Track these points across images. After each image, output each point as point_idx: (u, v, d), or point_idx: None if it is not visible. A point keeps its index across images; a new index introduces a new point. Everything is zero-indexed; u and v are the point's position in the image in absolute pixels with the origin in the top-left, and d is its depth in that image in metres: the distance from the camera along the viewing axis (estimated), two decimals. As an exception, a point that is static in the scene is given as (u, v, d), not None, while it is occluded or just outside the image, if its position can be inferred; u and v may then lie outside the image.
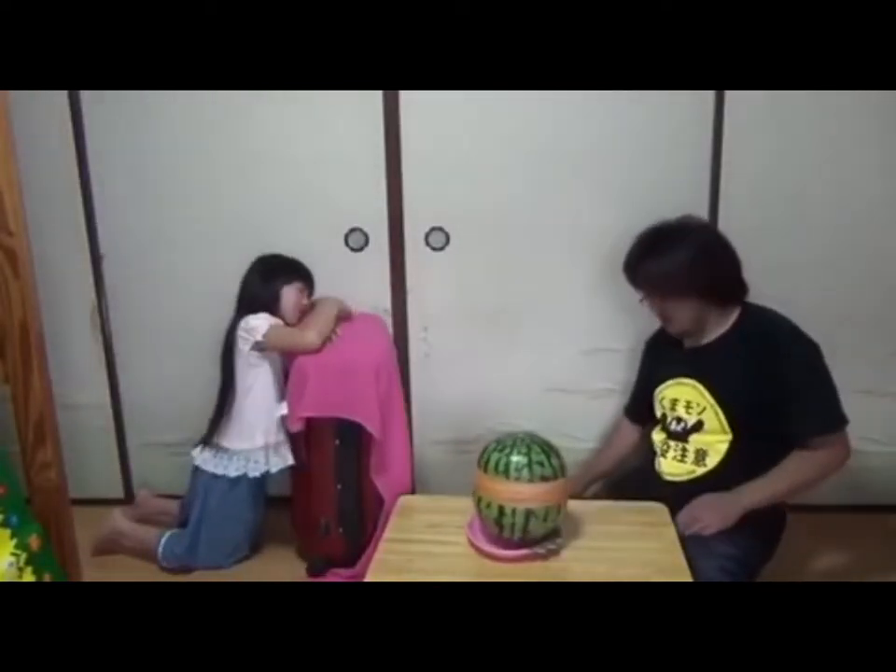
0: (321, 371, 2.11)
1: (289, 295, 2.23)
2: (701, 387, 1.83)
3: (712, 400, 1.81)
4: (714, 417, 1.81)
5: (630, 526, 1.66)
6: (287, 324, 2.22)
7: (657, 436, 1.95)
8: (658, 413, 1.96)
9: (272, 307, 2.21)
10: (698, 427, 1.83)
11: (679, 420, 1.87)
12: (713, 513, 1.71)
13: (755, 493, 1.74)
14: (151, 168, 2.39)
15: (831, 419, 1.74)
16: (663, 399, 1.93)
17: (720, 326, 1.85)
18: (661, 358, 2.01)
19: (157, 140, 2.37)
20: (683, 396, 1.87)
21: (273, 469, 2.24)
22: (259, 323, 2.15)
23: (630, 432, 2.16)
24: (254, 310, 2.19)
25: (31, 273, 1.54)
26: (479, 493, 1.54)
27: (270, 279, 2.23)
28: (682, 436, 1.86)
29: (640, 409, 2.08)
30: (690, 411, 1.85)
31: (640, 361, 2.14)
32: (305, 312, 2.27)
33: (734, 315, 1.84)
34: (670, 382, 1.91)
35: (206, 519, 2.25)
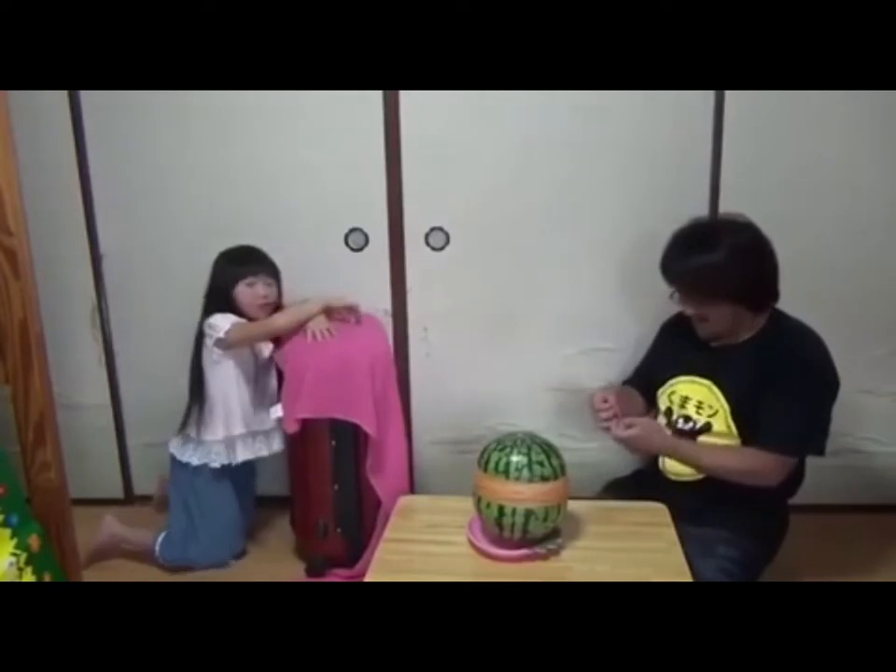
0: (316, 373, 2.11)
1: (244, 291, 2.21)
2: (716, 389, 1.79)
3: (726, 405, 1.78)
4: (724, 421, 1.78)
5: (630, 526, 1.65)
6: (251, 320, 2.21)
7: None
8: (663, 406, 1.92)
9: (230, 303, 2.20)
10: (706, 428, 1.81)
11: (686, 419, 1.85)
12: (642, 441, 1.79)
13: (679, 449, 1.81)
14: (151, 168, 2.39)
15: (790, 443, 1.72)
16: (672, 393, 1.88)
17: (747, 330, 1.80)
18: (679, 350, 1.92)
19: (156, 140, 2.37)
20: (696, 395, 1.83)
21: (234, 462, 2.26)
22: (220, 321, 2.15)
23: (636, 395, 2.03)
24: (216, 307, 2.19)
25: (31, 273, 1.54)
26: (479, 493, 1.54)
27: (222, 274, 2.22)
28: (690, 437, 1.83)
29: (640, 386, 2.02)
30: (700, 411, 1.82)
31: (653, 342, 2.07)
32: (275, 307, 2.26)
33: (762, 321, 1.80)
34: (684, 378, 1.86)
35: (186, 513, 2.28)
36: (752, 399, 1.74)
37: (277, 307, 2.27)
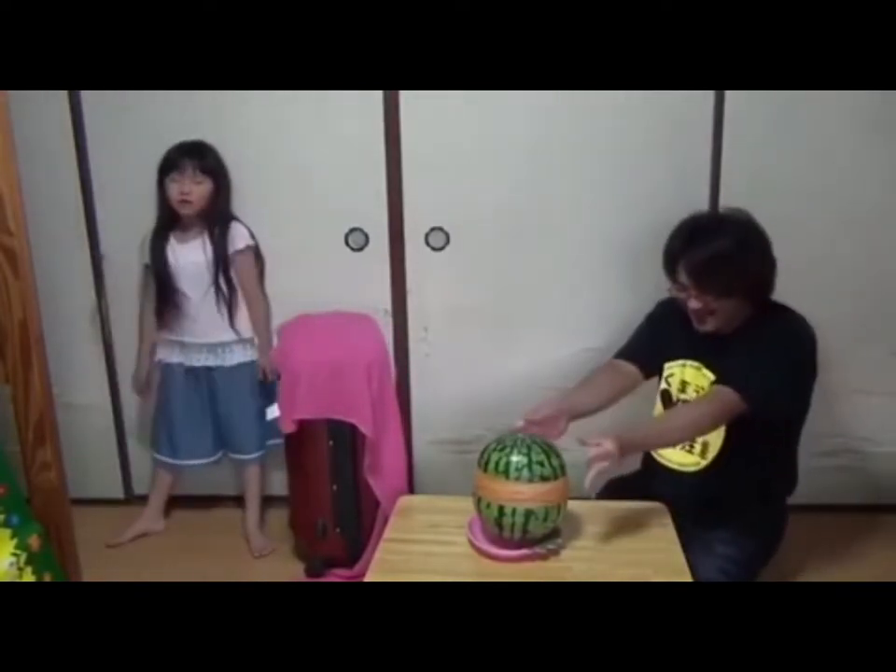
0: (312, 373, 2.11)
1: (169, 187, 2.24)
2: (706, 371, 1.80)
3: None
4: None
5: (630, 526, 1.65)
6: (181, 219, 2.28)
7: None
8: (662, 387, 1.92)
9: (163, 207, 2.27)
10: None
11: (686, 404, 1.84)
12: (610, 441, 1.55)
13: (640, 430, 1.72)
14: (151, 168, 2.38)
15: (748, 388, 1.67)
16: (670, 376, 1.89)
17: (741, 319, 1.80)
18: (677, 334, 1.89)
19: (157, 140, 2.36)
20: (694, 381, 1.84)
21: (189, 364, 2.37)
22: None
23: (624, 369, 1.93)
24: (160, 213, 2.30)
25: (31, 273, 1.54)
26: (479, 493, 1.54)
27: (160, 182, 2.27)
28: None
29: (637, 351, 1.95)
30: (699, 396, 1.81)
31: (647, 318, 2.00)
32: (208, 207, 2.28)
33: (754, 310, 1.80)
34: (684, 362, 1.86)
35: (161, 409, 2.47)
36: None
37: (210, 208, 2.28)
